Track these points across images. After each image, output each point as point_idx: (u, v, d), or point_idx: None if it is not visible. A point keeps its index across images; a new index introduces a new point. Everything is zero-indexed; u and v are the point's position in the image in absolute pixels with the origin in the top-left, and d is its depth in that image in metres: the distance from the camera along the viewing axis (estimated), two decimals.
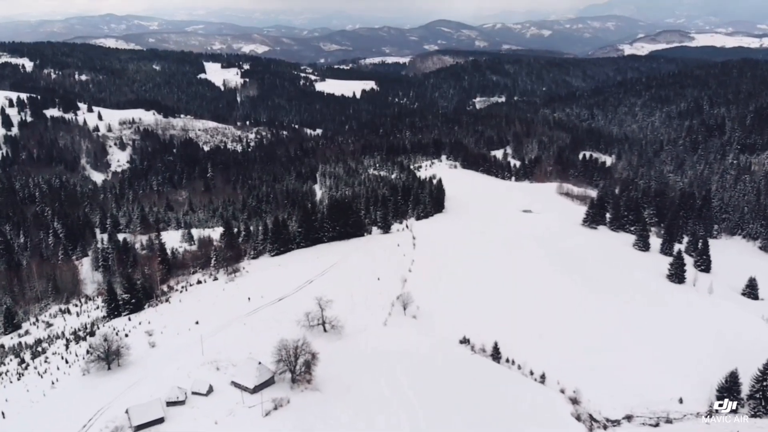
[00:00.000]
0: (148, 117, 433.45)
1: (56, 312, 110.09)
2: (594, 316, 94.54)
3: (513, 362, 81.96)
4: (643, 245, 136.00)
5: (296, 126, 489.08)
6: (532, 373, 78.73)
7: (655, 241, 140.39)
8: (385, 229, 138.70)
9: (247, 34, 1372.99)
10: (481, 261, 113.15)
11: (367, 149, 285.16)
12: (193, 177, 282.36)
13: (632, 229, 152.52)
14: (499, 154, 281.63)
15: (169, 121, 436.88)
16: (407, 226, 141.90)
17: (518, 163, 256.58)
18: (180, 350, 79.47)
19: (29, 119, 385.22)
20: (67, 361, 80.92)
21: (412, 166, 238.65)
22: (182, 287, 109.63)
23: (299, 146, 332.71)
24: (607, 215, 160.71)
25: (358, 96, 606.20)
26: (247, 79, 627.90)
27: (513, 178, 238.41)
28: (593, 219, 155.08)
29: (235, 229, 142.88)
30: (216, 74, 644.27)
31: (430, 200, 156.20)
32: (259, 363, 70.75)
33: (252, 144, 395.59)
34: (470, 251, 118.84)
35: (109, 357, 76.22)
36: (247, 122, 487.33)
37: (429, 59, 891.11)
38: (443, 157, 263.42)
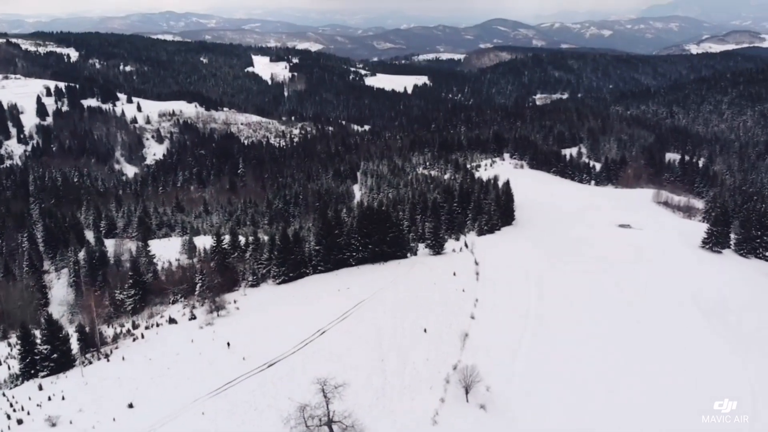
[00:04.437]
0: (189, 109, 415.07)
1: None
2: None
3: None
4: None
5: (343, 122, 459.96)
6: None
7: None
8: (437, 248, 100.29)
9: (302, 33, 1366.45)
10: (581, 304, 75.86)
11: (416, 145, 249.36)
12: (223, 173, 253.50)
13: (767, 254, 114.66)
14: (571, 152, 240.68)
15: (211, 114, 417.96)
16: (466, 245, 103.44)
17: (597, 165, 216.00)
18: None
19: (65, 109, 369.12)
20: None
21: (469, 165, 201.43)
22: (145, 328, 76.59)
23: (341, 141, 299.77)
24: (732, 235, 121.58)
25: (409, 91, 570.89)
26: (296, 73, 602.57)
27: (593, 181, 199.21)
28: (716, 240, 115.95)
29: (242, 239, 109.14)
30: (264, 68, 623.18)
31: (496, 209, 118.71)
32: None
33: (296, 140, 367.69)
34: (560, 286, 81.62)
35: None
36: (293, 117, 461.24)
37: (485, 55, 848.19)
38: (506, 155, 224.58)
